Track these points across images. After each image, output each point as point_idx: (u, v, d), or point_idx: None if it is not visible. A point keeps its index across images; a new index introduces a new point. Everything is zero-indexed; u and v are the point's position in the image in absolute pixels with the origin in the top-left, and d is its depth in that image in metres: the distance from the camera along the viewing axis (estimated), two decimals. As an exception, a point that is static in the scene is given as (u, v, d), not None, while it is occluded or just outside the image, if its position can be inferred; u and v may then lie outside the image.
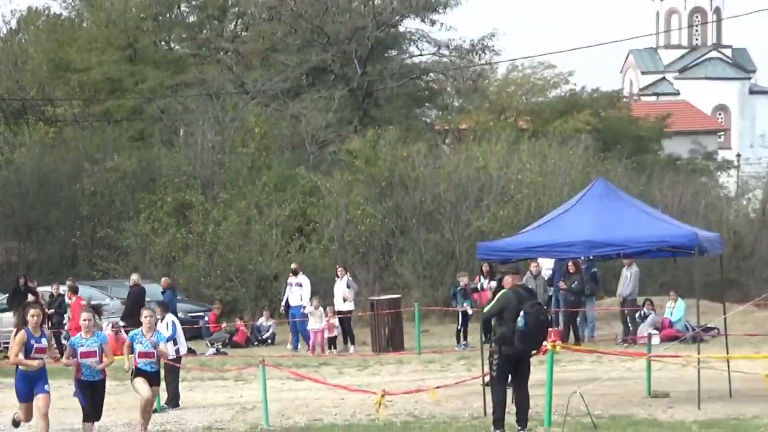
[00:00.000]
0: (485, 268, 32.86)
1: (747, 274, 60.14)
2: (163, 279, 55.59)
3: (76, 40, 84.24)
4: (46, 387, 24.94)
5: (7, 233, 75.44)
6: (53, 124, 78.52)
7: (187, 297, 59.56)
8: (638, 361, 34.82)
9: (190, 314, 55.64)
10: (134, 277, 55.63)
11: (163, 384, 32.95)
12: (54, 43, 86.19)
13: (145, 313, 28.19)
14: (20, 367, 25.11)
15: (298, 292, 51.93)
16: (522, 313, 25.41)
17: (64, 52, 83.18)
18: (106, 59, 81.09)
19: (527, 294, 27.32)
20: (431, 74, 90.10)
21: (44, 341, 25.20)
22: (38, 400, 24.45)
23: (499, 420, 25.70)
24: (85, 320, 25.80)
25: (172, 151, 74.10)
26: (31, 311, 24.66)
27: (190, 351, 46.84)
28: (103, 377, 25.86)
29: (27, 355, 24.62)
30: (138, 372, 26.48)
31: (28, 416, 25.40)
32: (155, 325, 28.78)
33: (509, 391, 26.11)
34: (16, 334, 26.17)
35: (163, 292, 50.91)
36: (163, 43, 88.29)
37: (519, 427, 25.77)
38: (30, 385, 24.87)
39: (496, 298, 28.36)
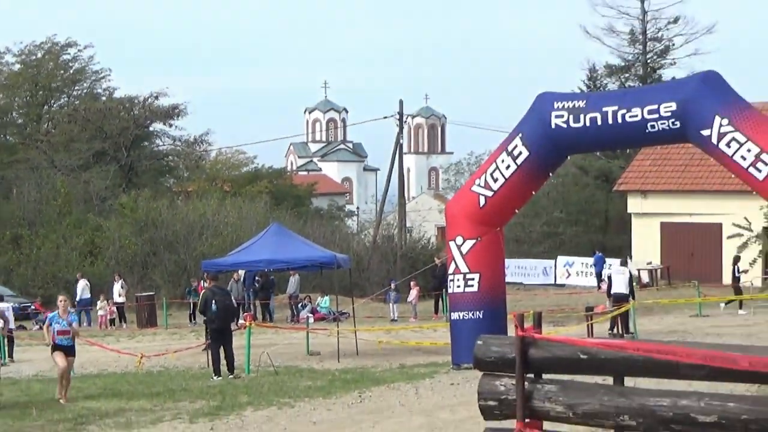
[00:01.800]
0: (208, 275, 35.23)
1: (365, 280, 60.60)
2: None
3: None
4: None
5: None
6: None
7: (20, 294, 59.29)
8: (300, 333, 38.34)
9: (22, 304, 55.42)
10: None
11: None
12: None
13: (60, 298, 25.27)
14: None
15: (86, 289, 53.55)
16: (214, 302, 29.04)
17: None
18: None
19: (219, 291, 31.07)
20: (170, 156, 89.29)
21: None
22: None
23: (216, 369, 28.63)
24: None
25: (9, 202, 73.08)
26: None
27: (21, 327, 49.17)
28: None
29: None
30: (56, 347, 24.15)
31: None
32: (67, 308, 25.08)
33: (221, 351, 28.88)
34: None
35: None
36: (2, 135, 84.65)
37: (230, 374, 28.49)
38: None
39: (201, 294, 33.34)
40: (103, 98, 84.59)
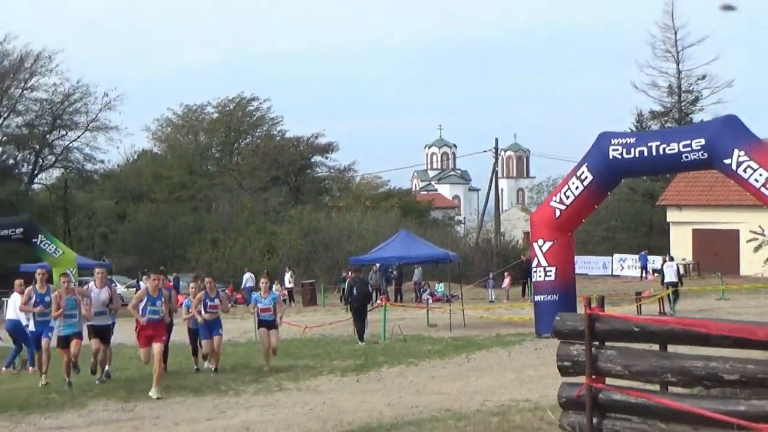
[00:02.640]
0: (352, 268, 35.46)
1: (470, 271, 58.48)
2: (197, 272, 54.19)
3: (163, 163, 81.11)
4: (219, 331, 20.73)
5: (127, 254, 70.96)
6: (154, 201, 75.60)
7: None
8: (422, 310, 37.72)
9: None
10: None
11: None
12: (153, 164, 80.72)
13: (262, 280, 22.48)
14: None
15: (250, 280, 50.79)
16: (355, 289, 29.94)
17: (158, 169, 79.22)
18: (176, 173, 77.99)
19: (360, 280, 31.55)
20: (326, 180, 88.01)
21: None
22: (215, 342, 20.44)
23: (360, 337, 28.32)
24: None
25: (209, 214, 73.11)
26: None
27: None
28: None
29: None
30: (260, 322, 21.36)
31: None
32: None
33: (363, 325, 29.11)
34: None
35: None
36: (204, 166, 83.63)
37: (360, 341, 28.05)
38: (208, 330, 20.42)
39: (347, 282, 35.76)
40: (278, 138, 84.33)
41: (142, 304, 17.76)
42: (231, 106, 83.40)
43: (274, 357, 21.28)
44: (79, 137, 72.54)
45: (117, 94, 72.77)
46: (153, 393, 16.87)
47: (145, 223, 71.99)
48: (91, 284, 19.61)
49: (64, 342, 17.95)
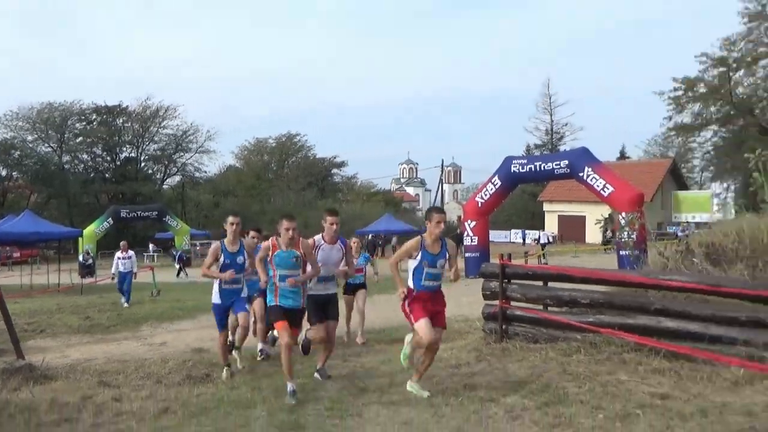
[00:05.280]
0: (358, 237, 28.09)
1: None
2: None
3: (242, 173, 76.51)
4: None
5: (218, 229, 67.43)
6: (236, 196, 70.98)
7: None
8: None
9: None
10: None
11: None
12: (236, 174, 76.21)
13: (353, 240, 10.51)
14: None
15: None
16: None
17: (238, 176, 74.67)
18: (249, 179, 73.34)
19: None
20: (339, 184, 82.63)
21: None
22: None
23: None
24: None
25: (270, 204, 68.38)
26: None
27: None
28: None
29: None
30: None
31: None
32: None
33: None
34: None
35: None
36: (266, 175, 77.86)
37: None
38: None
39: None
40: (311, 158, 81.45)
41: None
42: (283, 139, 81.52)
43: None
44: (191, 157, 71.21)
45: (215, 131, 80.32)
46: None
47: (230, 209, 69.01)
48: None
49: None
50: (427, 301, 6.46)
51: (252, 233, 9.41)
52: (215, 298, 7.88)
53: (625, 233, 20.03)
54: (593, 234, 49.08)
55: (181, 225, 43.12)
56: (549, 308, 8.87)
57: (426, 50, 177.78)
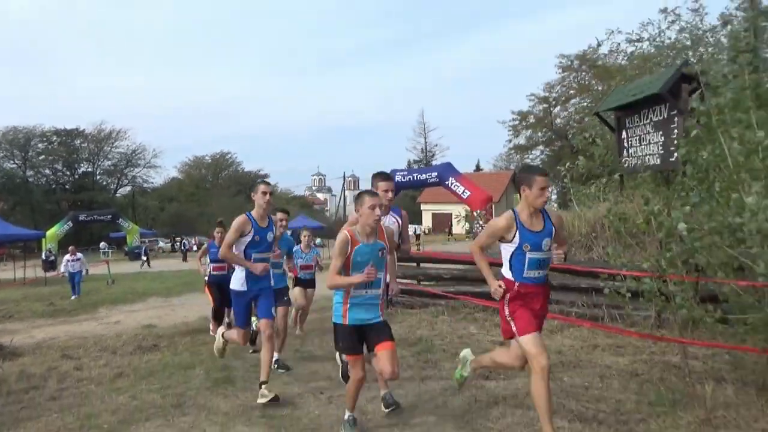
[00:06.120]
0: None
1: (333, 234, 52.72)
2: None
3: (183, 183, 73.45)
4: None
5: (165, 227, 59.30)
6: (179, 202, 68.69)
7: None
8: None
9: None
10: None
11: None
12: (178, 184, 72.66)
13: (304, 233, 7.76)
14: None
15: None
16: None
17: (180, 186, 72.85)
18: (189, 188, 73.24)
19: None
20: None
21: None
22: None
23: None
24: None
25: (207, 208, 66.79)
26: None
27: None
28: None
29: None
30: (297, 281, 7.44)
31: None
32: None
33: None
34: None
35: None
36: (205, 185, 75.54)
37: None
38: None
39: None
40: (240, 170, 79.13)
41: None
42: (217, 156, 78.38)
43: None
44: (140, 171, 68.09)
45: (160, 150, 76.45)
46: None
47: (174, 212, 66.06)
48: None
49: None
50: (535, 298, 3.62)
51: (280, 215, 6.26)
52: (238, 285, 4.93)
53: (478, 225, 20.60)
54: (457, 227, 50.30)
55: (132, 225, 40.94)
56: (421, 282, 9.03)
57: (336, 86, 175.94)
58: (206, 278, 7.69)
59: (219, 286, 7.34)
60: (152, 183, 70.04)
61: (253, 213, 4.91)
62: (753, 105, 3.88)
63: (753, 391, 3.99)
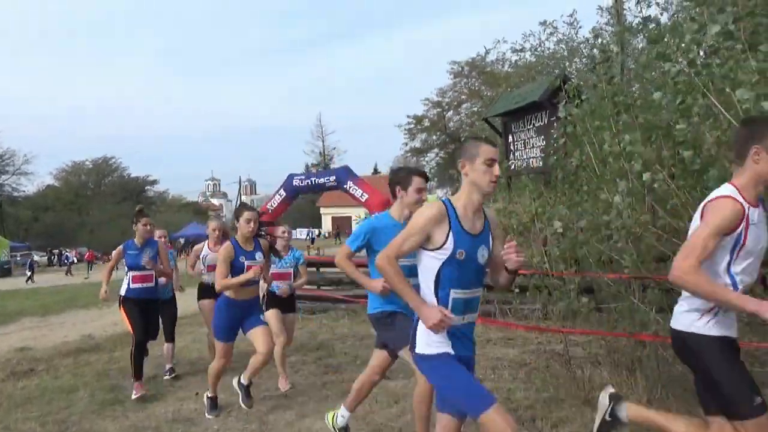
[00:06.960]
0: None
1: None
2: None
3: (60, 191, 67.93)
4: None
5: (39, 239, 54.87)
6: (55, 211, 64.19)
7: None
8: None
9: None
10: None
11: None
12: (54, 192, 67.05)
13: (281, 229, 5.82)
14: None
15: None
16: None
17: (57, 194, 66.39)
18: (67, 196, 67.65)
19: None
20: (154, 197, 79.91)
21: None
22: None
23: None
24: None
25: (86, 216, 64.37)
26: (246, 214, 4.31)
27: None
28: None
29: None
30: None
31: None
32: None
33: None
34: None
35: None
36: (85, 192, 70.97)
37: None
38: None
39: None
40: (126, 176, 74.66)
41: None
42: (99, 161, 73.43)
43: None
44: (8, 179, 62.56)
45: (32, 155, 70.74)
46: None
47: (50, 223, 61.68)
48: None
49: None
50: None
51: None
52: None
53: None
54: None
55: (0, 239, 37.48)
56: (321, 287, 9.08)
57: (229, 88, 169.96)
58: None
59: (141, 304, 5.28)
60: (24, 191, 64.76)
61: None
62: (612, 113, 4.16)
63: (624, 371, 4.30)
